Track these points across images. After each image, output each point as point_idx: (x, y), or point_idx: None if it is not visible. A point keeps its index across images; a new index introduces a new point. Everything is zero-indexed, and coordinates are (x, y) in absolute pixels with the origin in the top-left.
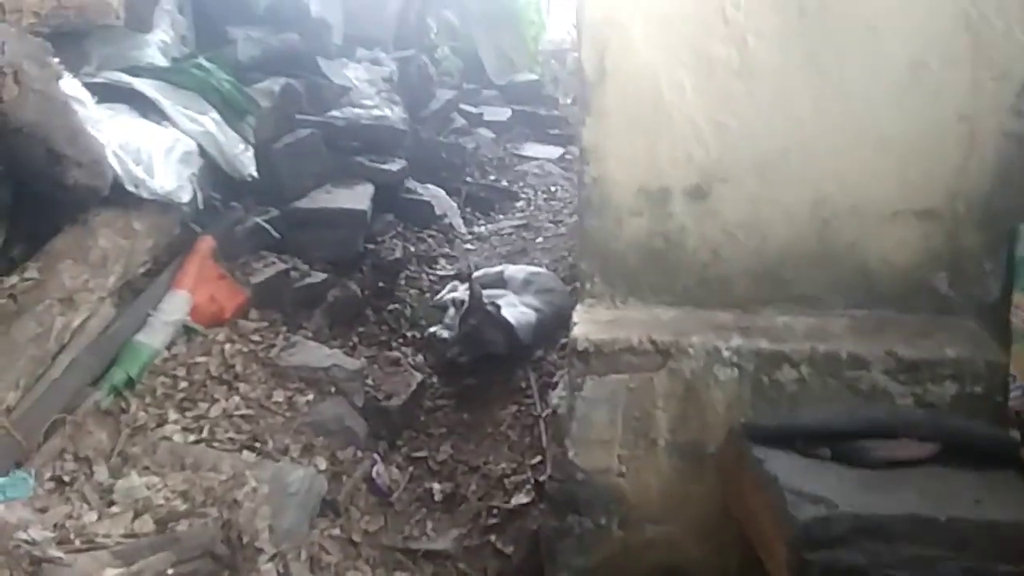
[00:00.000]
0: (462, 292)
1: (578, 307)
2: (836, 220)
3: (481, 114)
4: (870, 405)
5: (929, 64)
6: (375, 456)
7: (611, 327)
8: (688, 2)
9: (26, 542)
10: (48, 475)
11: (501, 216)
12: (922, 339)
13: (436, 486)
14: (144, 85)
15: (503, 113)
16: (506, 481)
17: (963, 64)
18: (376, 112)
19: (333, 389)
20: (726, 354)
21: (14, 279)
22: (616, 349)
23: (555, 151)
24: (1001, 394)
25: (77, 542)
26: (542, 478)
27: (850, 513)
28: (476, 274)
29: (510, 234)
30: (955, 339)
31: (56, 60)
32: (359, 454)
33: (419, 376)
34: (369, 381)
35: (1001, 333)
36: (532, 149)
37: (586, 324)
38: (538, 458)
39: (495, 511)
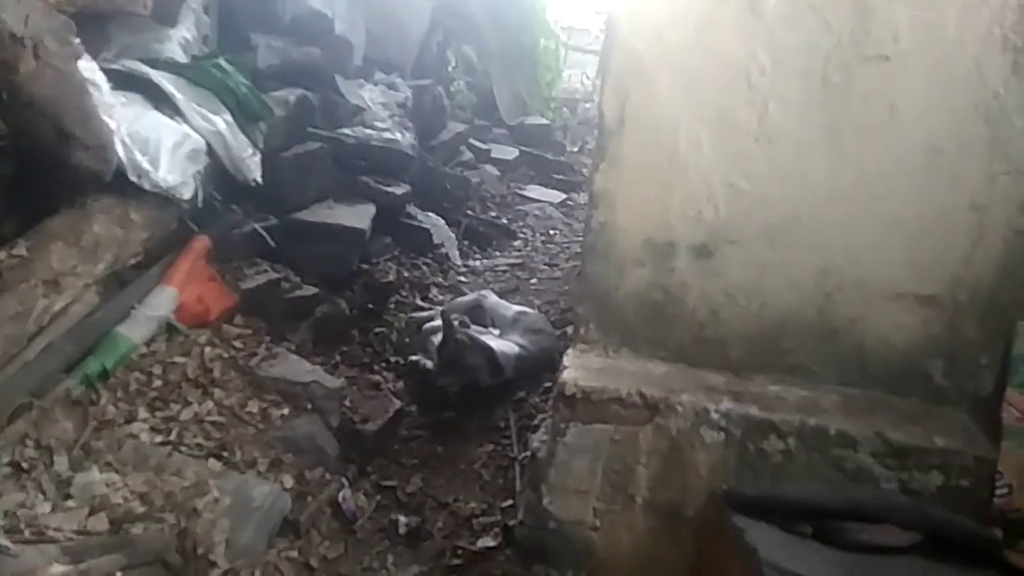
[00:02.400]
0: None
1: (570, 351)
2: (839, 294)
3: (489, 151)
4: (855, 485)
5: (947, 151)
6: (343, 480)
7: (601, 375)
8: (715, 63)
9: None
10: (7, 459)
11: (498, 253)
12: (912, 425)
13: (402, 518)
14: (161, 78)
15: (510, 152)
16: (474, 521)
17: (980, 155)
18: (387, 135)
19: (310, 406)
20: (715, 417)
21: (1, 254)
22: (604, 398)
23: (558, 195)
24: (987, 490)
25: (27, 532)
26: (511, 523)
27: None
28: (449, 305)
29: (505, 271)
30: (945, 429)
31: (77, 40)
32: (327, 476)
33: (398, 403)
34: (347, 402)
35: (992, 428)
36: (535, 191)
37: (576, 369)
38: (509, 501)
39: (459, 551)
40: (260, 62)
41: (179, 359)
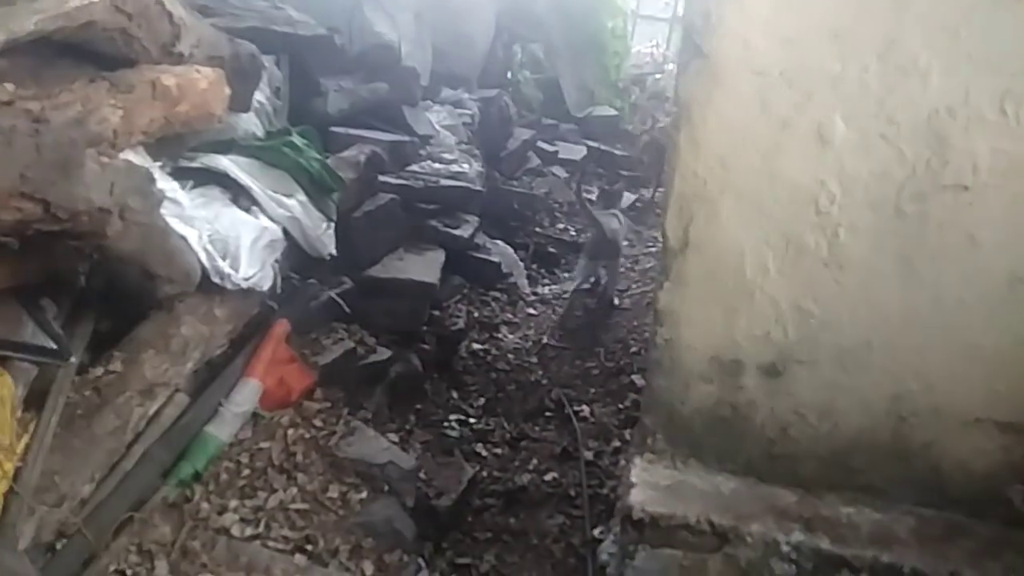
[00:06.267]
0: None
1: (637, 461)
2: (913, 418)
3: (556, 152)
4: None
5: None
6: (419, 562)
7: (669, 496)
8: (781, 190)
9: None
10: (113, 567)
11: (566, 275)
12: (990, 560)
13: None
14: (237, 170)
15: (578, 151)
16: None
17: None
18: (455, 168)
19: (386, 487)
20: (785, 549)
21: (99, 370)
22: (672, 524)
23: (626, 199)
24: None
25: None
26: None
27: None
28: None
29: None
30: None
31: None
32: (405, 558)
33: (470, 471)
34: (422, 474)
35: None
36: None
37: (644, 488)
38: None
39: None
40: (330, 108)
41: (264, 444)
